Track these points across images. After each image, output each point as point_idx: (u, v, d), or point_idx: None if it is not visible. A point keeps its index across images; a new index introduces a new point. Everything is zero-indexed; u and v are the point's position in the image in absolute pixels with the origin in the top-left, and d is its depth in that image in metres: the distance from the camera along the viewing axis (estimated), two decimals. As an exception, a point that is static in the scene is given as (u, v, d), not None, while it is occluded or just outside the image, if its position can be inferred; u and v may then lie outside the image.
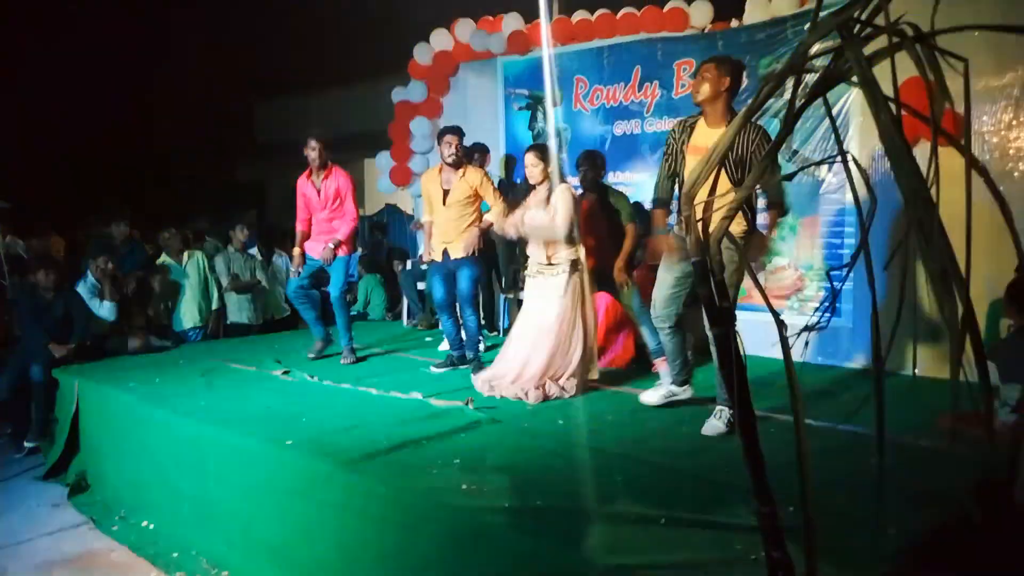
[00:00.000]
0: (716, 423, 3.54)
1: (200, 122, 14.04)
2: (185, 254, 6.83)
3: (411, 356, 5.65)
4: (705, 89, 3.43)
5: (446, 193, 4.92)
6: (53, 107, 12.40)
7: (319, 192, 5.24)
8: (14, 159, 10.97)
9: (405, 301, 7.42)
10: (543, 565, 2.43)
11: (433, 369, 5.06)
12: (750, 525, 2.30)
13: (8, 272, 6.07)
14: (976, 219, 1.22)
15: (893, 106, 1.30)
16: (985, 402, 1.43)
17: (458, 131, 4.98)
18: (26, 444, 5.36)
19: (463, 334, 5.15)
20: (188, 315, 6.74)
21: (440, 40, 7.21)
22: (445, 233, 4.98)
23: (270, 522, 3.41)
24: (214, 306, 6.91)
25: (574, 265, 4.36)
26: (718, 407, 3.58)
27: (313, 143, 5.16)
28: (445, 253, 4.99)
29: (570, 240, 4.37)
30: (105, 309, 5.91)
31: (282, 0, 12.14)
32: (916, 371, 4.51)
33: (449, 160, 4.88)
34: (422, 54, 7.28)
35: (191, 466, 3.89)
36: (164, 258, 6.76)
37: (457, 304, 5.08)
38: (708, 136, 3.44)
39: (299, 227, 5.40)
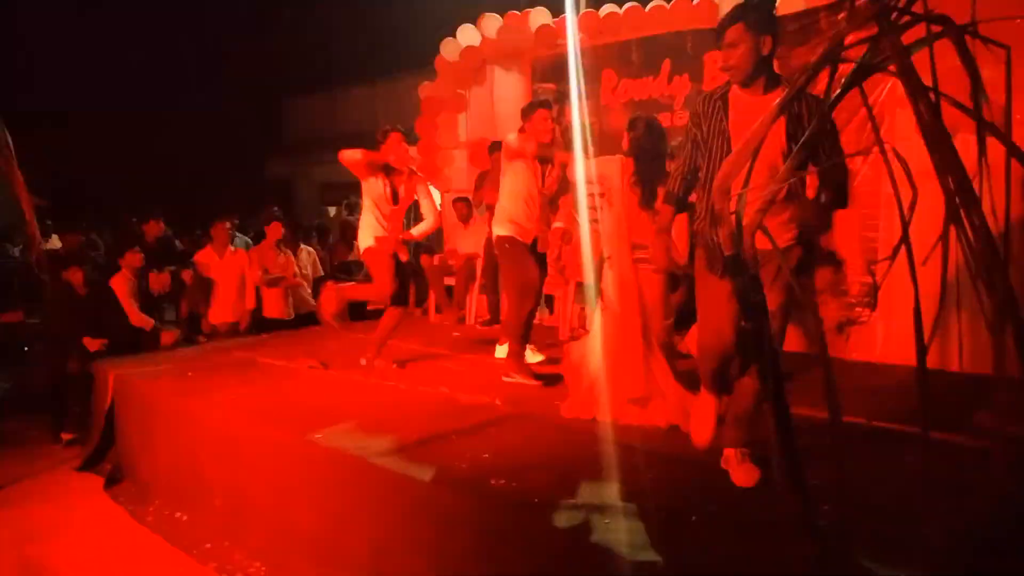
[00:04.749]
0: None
1: (230, 119, 14.23)
2: (228, 249, 6.88)
3: (439, 351, 5.66)
4: (740, 55, 2.54)
5: (543, 173, 4.37)
6: (91, 106, 12.65)
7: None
8: (54, 159, 11.20)
9: (433, 296, 7.44)
10: (572, 561, 2.42)
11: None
12: (782, 521, 2.28)
13: (45, 269, 6.19)
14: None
15: (932, 96, 1.28)
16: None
17: (550, 106, 4.33)
18: (63, 436, 5.49)
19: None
20: (224, 310, 6.80)
21: (467, 36, 7.20)
22: (537, 220, 4.49)
23: (302, 515, 3.45)
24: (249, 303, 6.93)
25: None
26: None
27: None
28: (535, 242, 4.56)
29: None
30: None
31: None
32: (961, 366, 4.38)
33: (546, 140, 4.25)
34: (449, 50, 7.28)
35: (224, 459, 3.95)
36: (207, 252, 6.80)
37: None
38: (753, 106, 2.55)
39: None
